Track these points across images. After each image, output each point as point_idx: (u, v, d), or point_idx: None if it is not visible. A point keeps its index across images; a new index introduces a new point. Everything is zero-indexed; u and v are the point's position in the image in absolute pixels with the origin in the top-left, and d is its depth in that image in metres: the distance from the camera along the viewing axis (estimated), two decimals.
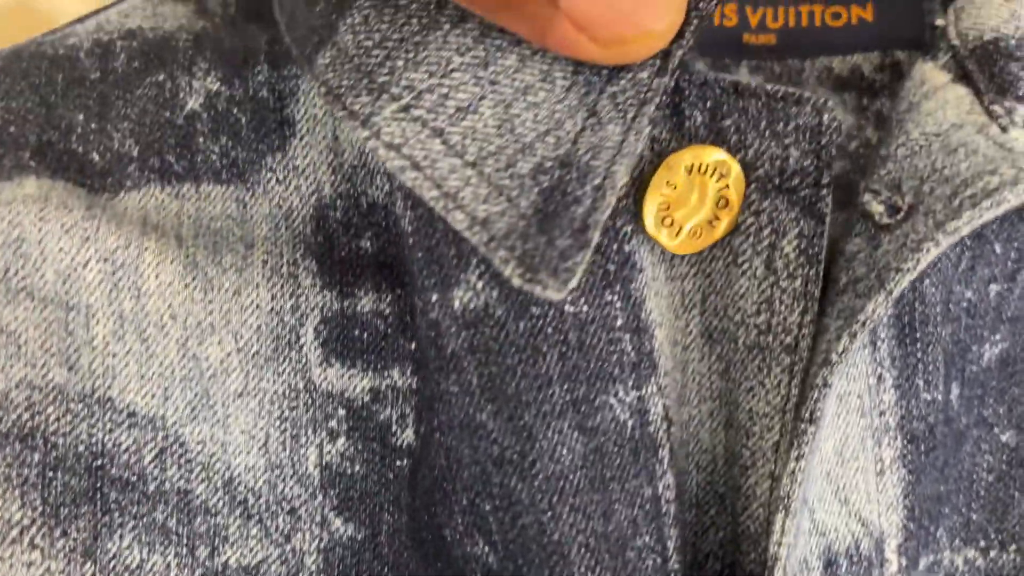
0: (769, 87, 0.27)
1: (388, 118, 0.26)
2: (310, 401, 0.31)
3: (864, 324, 0.26)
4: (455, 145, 0.26)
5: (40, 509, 0.28)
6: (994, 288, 0.31)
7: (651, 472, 0.28)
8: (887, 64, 0.36)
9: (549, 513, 0.28)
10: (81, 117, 0.31)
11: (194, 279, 0.30)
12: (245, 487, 0.30)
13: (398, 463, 0.31)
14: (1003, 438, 0.32)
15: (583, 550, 0.28)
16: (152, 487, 0.29)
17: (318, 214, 0.31)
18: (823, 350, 0.27)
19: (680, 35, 0.26)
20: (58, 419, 0.29)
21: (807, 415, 0.26)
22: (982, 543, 0.32)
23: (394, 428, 0.31)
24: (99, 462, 0.29)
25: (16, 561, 0.28)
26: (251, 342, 0.30)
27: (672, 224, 0.28)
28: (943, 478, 0.31)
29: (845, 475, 0.29)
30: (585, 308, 0.28)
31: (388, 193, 0.31)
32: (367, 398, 0.31)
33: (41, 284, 0.29)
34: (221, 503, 0.30)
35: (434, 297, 0.28)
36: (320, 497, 0.30)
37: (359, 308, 0.31)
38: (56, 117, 0.31)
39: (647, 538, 0.28)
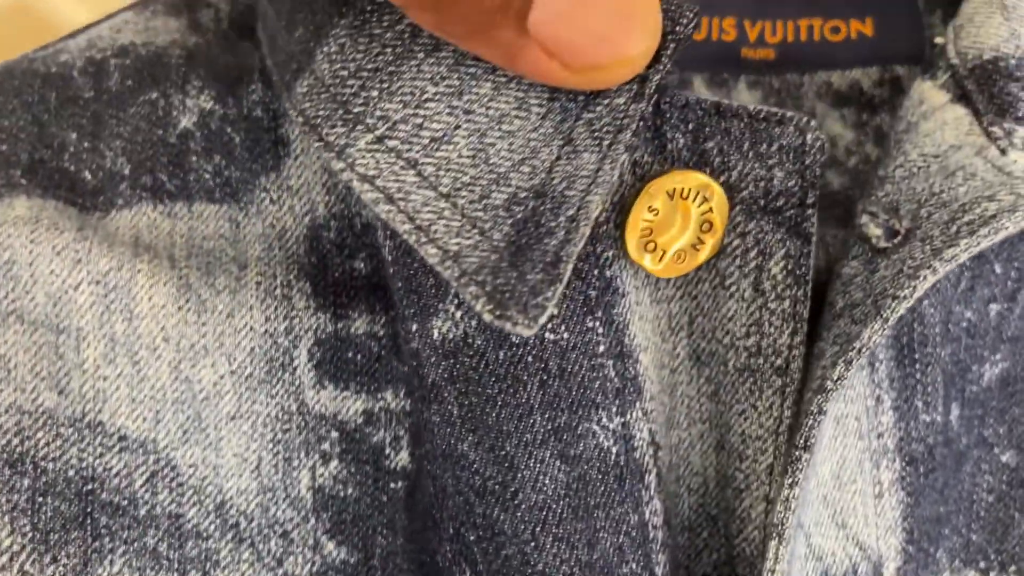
0: (751, 107, 0.27)
1: (363, 149, 0.26)
2: (303, 424, 0.30)
3: (860, 351, 0.26)
4: (429, 176, 0.26)
5: (30, 535, 0.28)
6: (994, 308, 0.30)
7: (637, 498, 0.28)
8: (887, 79, 0.36)
9: (532, 543, 0.28)
10: (74, 136, 0.31)
11: (187, 301, 0.30)
12: (237, 510, 0.30)
13: (392, 485, 0.30)
14: (1003, 458, 0.31)
15: None
16: (143, 511, 0.29)
17: (312, 234, 0.31)
18: (818, 376, 0.27)
19: (657, 59, 0.26)
20: (48, 444, 0.29)
21: (801, 442, 0.26)
22: (982, 564, 0.31)
23: (387, 451, 0.30)
24: (89, 487, 0.29)
25: None
26: (244, 364, 0.30)
27: (655, 249, 0.28)
28: (943, 499, 0.30)
29: (843, 498, 0.29)
30: (566, 335, 0.27)
31: (376, 217, 0.31)
32: (360, 420, 0.30)
33: (31, 307, 0.29)
34: (213, 527, 0.30)
35: (414, 327, 0.28)
36: (313, 520, 0.30)
37: (353, 330, 0.31)
38: (48, 136, 0.31)
39: (634, 565, 0.28)
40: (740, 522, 0.29)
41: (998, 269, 0.30)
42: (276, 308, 0.31)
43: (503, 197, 0.26)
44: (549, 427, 0.27)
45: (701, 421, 0.29)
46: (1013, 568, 0.31)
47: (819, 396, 0.26)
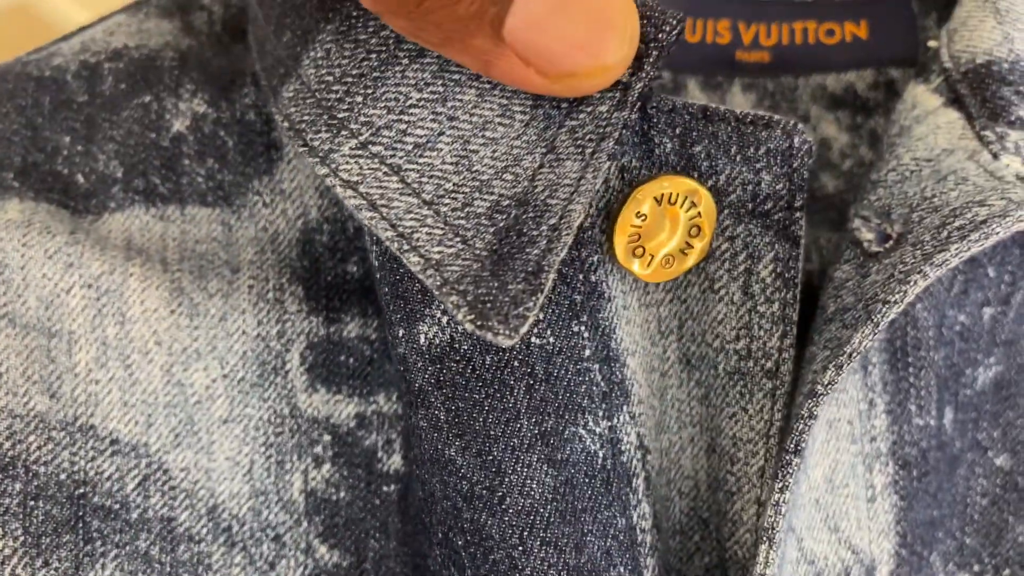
0: (738, 111, 0.26)
1: (346, 155, 0.26)
2: (295, 427, 0.30)
3: (851, 356, 0.26)
4: (412, 183, 0.26)
5: (21, 539, 0.28)
6: (988, 311, 0.30)
7: (624, 502, 0.28)
8: (881, 82, 0.36)
9: (520, 548, 0.28)
10: (67, 139, 0.31)
11: (180, 305, 0.30)
12: (229, 514, 0.30)
13: (385, 489, 0.30)
14: (997, 462, 0.31)
15: None
16: (135, 515, 0.29)
17: (304, 238, 0.31)
18: (809, 380, 0.27)
19: (639, 67, 0.26)
20: (39, 447, 0.29)
21: (792, 446, 0.26)
22: (976, 568, 0.31)
23: (380, 454, 0.30)
24: (81, 490, 0.29)
25: None
26: (237, 368, 0.30)
27: (643, 254, 0.28)
28: (936, 503, 0.30)
29: (835, 502, 0.29)
30: (552, 339, 0.27)
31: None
32: (352, 424, 0.30)
33: (23, 311, 0.29)
34: (205, 530, 0.30)
35: (401, 332, 0.28)
36: (305, 524, 0.30)
37: (345, 333, 0.31)
38: (42, 139, 0.31)
39: (621, 568, 0.28)
40: (732, 525, 0.29)
41: (991, 273, 0.30)
42: (268, 312, 0.31)
43: (486, 205, 0.26)
44: (536, 431, 0.27)
45: (692, 425, 0.29)
46: (1007, 572, 0.31)
47: (810, 400, 0.26)
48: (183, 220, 0.31)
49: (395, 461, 0.30)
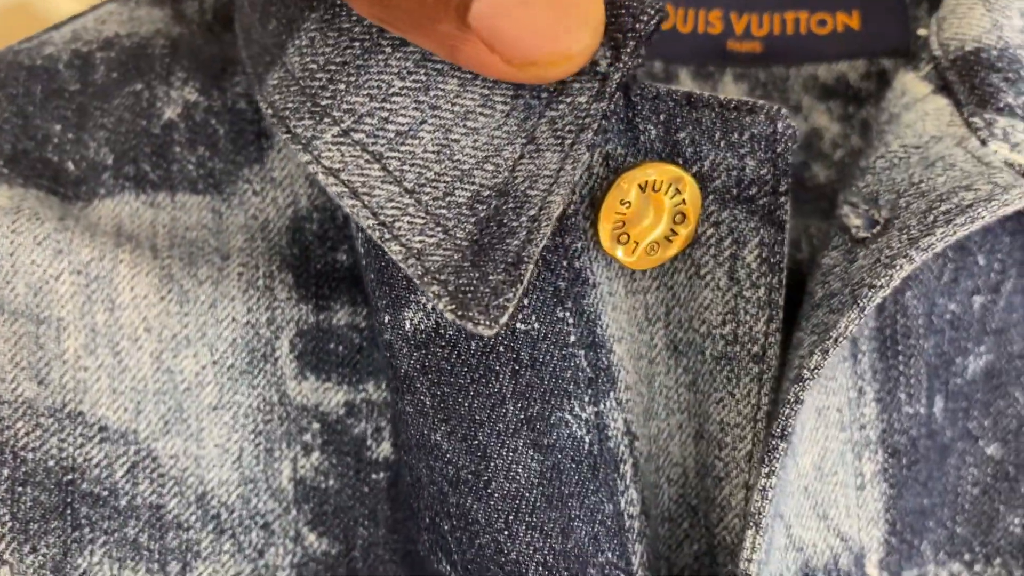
0: (722, 97, 0.26)
1: (329, 142, 0.26)
2: (284, 415, 0.30)
3: (836, 340, 0.26)
4: (394, 171, 0.26)
5: (9, 525, 0.28)
6: (978, 300, 0.30)
7: (612, 488, 0.28)
8: (873, 72, 0.36)
9: (506, 532, 0.28)
10: (58, 128, 0.31)
11: (169, 291, 0.30)
12: (218, 502, 0.30)
13: (374, 476, 0.30)
14: (988, 451, 0.31)
15: (541, 568, 0.28)
16: (123, 502, 0.29)
17: (294, 226, 0.31)
18: (796, 365, 0.27)
19: (617, 57, 0.26)
20: (28, 434, 0.29)
21: (778, 430, 0.26)
22: (967, 557, 0.31)
23: (369, 442, 0.30)
24: (69, 477, 0.29)
25: None
26: (226, 355, 0.30)
27: (628, 240, 0.28)
28: (927, 492, 0.30)
29: (824, 490, 0.29)
30: (536, 325, 0.27)
31: None
32: (342, 412, 0.30)
33: (12, 297, 0.29)
34: (193, 518, 0.30)
35: (386, 318, 0.28)
36: (294, 512, 0.30)
37: (335, 321, 0.31)
38: (32, 128, 0.31)
39: (609, 554, 0.28)
40: (720, 511, 0.29)
41: (981, 261, 0.30)
42: (258, 299, 0.31)
43: (467, 195, 0.26)
44: (521, 416, 0.27)
45: (680, 411, 0.29)
46: (998, 561, 0.31)
47: (796, 385, 0.26)
48: (173, 207, 0.31)
49: (384, 449, 0.30)
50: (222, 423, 0.30)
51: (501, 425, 0.27)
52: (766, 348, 0.28)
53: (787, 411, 0.26)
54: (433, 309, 0.27)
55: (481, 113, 0.27)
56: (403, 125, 0.26)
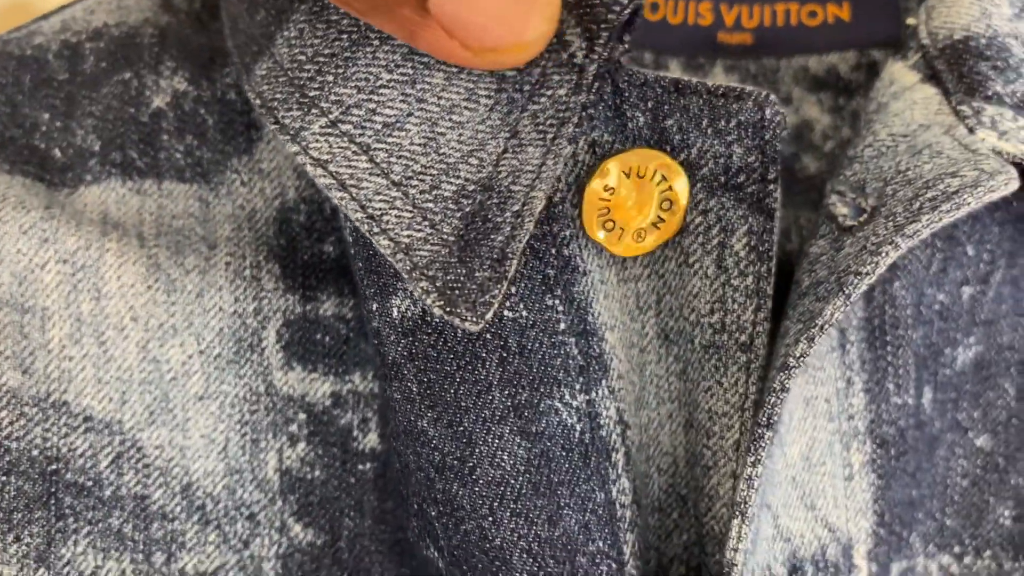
0: (710, 84, 0.26)
1: (316, 133, 0.27)
2: (271, 405, 0.30)
3: (822, 328, 0.26)
4: (381, 163, 0.26)
5: None
6: (967, 290, 0.30)
7: (604, 476, 0.28)
8: (863, 64, 0.36)
9: (490, 519, 0.27)
10: (46, 116, 0.31)
11: (156, 280, 0.30)
12: (203, 492, 0.30)
13: (360, 467, 0.30)
14: (978, 442, 0.31)
15: (525, 556, 0.27)
16: (108, 492, 0.29)
17: (281, 216, 0.31)
18: (782, 354, 0.27)
19: (592, 49, 0.26)
20: (11, 423, 0.29)
21: (765, 419, 0.26)
22: (957, 549, 0.31)
23: (355, 433, 0.30)
24: (54, 467, 0.29)
25: None
26: (213, 344, 0.30)
27: (614, 227, 0.27)
28: (916, 483, 0.30)
29: (812, 480, 0.29)
30: (525, 313, 0.27)
31: None
32: (328, 403, 0.30)
33: None
34: (179, 508, 0.29)
35: (374, 306, 0.28)
36: (279, 503, 0.30)
37: (321, 312, 0.31)
38: (20, 116, 0.31)
39: (600, 543, 0.28)
40: (709, 500, 0.28)
41: (970, 251, 0.30)
42: (245, 289, 0.30)
43: (452, 189, 0.26)
44: (508, 404, 0.27)
45: (670, 400, 0.29)
46: (988, 553, 0.31)
47: (782, 373, 0.26)
48: (160, 195, 0.31)
49: (371, 440, 0.30)
50: (208, 413, 0.30)
51: (487, 412, 0.27)
52: (754, 337, 0.28)
53: (773, 399, 0.26)
54: (413, 290, 0.27)
55: (466, 107, 0.27)
56: (390, 117, 0.27)
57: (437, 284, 0.26)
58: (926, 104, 0.29)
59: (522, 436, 0.27)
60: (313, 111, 0.27)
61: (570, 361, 0.28)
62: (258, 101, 0.28)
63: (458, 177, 0.26)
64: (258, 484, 0.30)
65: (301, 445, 0.30)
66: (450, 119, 0.27)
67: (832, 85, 0.36)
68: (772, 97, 0.26)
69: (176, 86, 0.32)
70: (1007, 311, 0.31)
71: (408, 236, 0.26)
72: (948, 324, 0.30)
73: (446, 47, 0.25)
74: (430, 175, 0.26)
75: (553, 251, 0.28)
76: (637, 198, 0.27)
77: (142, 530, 0.29)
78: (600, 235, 0.27)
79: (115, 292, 0.29)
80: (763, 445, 0.26)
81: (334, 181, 0.26)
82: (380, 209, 0.26)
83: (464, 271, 0.26)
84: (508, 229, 0.26)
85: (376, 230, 0.26)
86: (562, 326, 0.28)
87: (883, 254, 0.25)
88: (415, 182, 0.26)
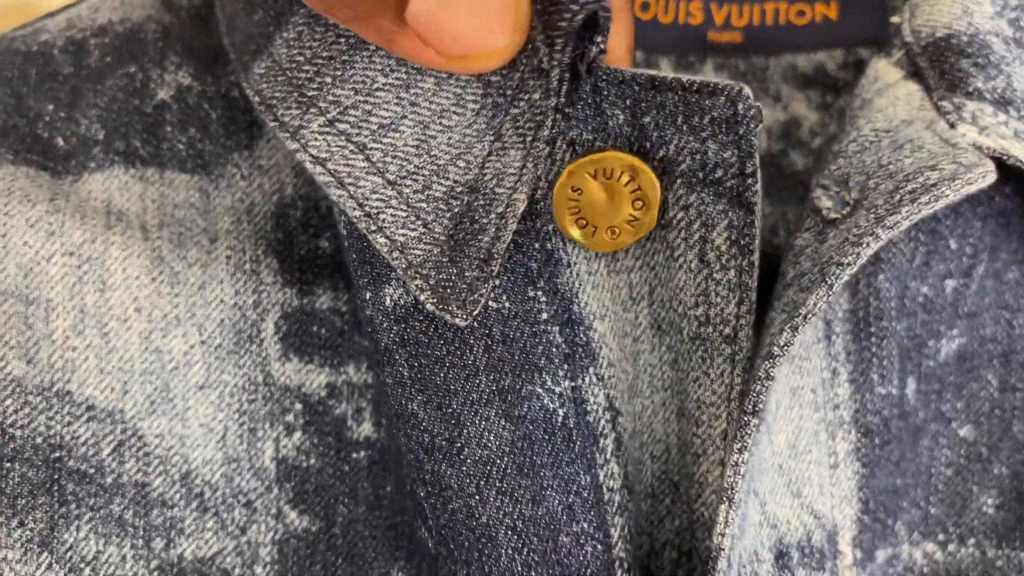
0: (685, 79, 0.27)
1: (315, 131, 0.28)
2: (268, 395, 0.31)
3: (805, 317, 0.26)
4: (377, 162, 0.27)
5: None
6: (950, 283, 0.31)
7: (590, 460, 0.28)
8: (850, 62, 0.36)
9: (477, 497, 0.28)
10: (51, 107, 0.32)
11: (160, 273, 0.31)
12: (202, 480, 0.30)
13: (354, 456, 0.31)
14: (961, 433, 0.32)
15: (510, 533, 0.28)
16: (109, 480, 0.30)
17: (279, 211, 0.32)
18: (767, 343, 0.27)
19: (551, 55, 0.27)
20: (16, 411, 0.29)
21: (750, 407, 0.27)
22: (941, 537, 0.32)
23: (350, 422, 0.31)
24: (57, 454, 0.29)
25: None
26: (214, 335, 0.31)
27: (587, 225, 0.28)
28: (900, 472, 0.31)
29: (798, 468, 0.29)
30: (508, 304, 0.28)
31: None
32: (323, 393, 0.31)
33: (2, 278, 0.30)
34: (178, 496, 0.30)
35: (368, 295, 0.29)
36: (276, 490, 0.31)
37: (317, 305, 0.31)
38: (25, 107, 0.32)
39: (584, 524, 0.28)
40: (698, 487, 0.29)
41: (953, 245, 0.30)
42: (245, 282, 0.31)
43: (442, 190, 0.27)
44: (494, 388, 0.28)
45: (663, 389, 0.30)
46: (972, 541, 0.32)
47: (767, 362, 0.27)
48: (162, 183, 0.32)
49: (365, 429, 0.31)
50: (208, 402, 0.31)
51: (475, 395, 0.28)
52: (737, 330, 0.28)
53: (758, 387, 0.27)
54: (408, 286, 0.28)
55: (454, 112, 0.28)
56: (385, 119, 0.28)
57: (430, 282, 0.27)
58: (908, 100, 0.30)
59: (506, 419, 0.28)
60: (312, 110, 0.28)
61: (553, 349, 0.28)
62: (257, 99, 0.29)
63: (447, 179, 0.27)
64: (255, 472, 0.31)
65: (297, 434, 0.31)
66: (440, 123, 0.28)
67: (820, 83, 0.36)
68: (745, 91, 0.26)
69: (180, 80, 0.32)
70: (989, 304, 0.31)
71: (403, 235, 0.27)
72: (932, 316, 0.31)
73: (422, 54, 0.26)
74: (422, 175, 0.27)
75: (536, 245, 0.28)
76: (608, 197, 0.28)
77: (142, 516, 0.30)
78: (574, 232, 0.28)
79: (120, 284, 0.30)
80: (749, 432, 0.27)
81: (332, 179, 0.27)
82: (376, 207, 0.27)
83: (455, 271, 0.27)
84: (493, 230, 0.27)
85: (373, 228, 0.27)
86: (544, 316, 0.28)
87: (864, 245, 0.26)
88: (409, 182, 0.27)
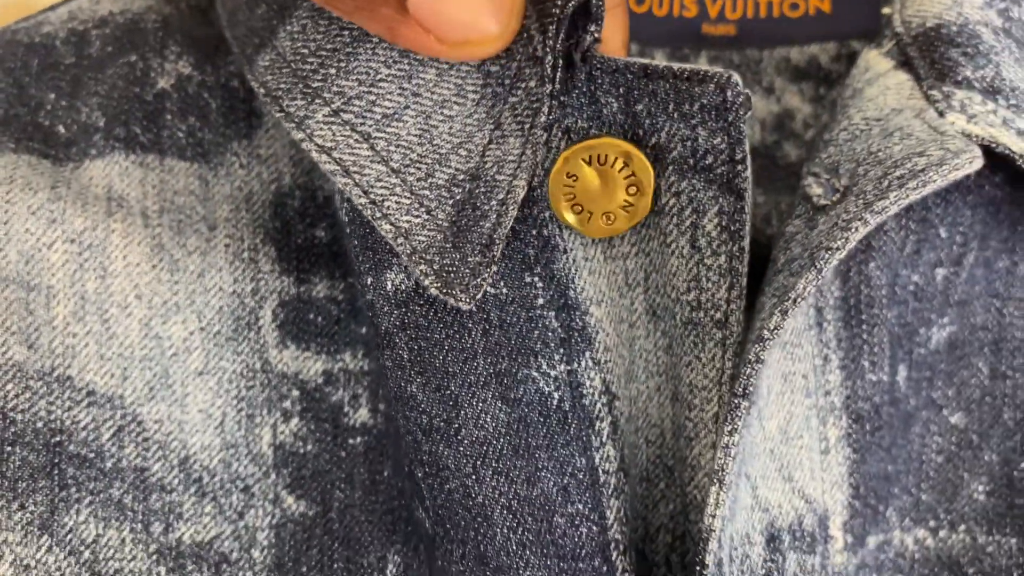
0: (676, 67, 0.27)
1: (320, 122, 0.28)
2: (266, 381, 0.31)
3: (795, 301, 0.27)
4: (381, 151, 0.28)
5: None
6: (940, 272, 0.31)
7: (586, 443, 0.29)
8: (843, 54, 0.36)
9: (473, 476, 0.29)
10: (52, 96, 0.32)
11: (161, 260, 0.31)
12: (200, 466, 0.31)
13: (351, 442, 0.31)
14: (952, 420, 0.32)
15: (506, 512, 0.29)
16: (109, 464, 0.30)
17: (277, 200, 0.32)
18: (757, 327, 0.27)
19: (544, 43, 0.27)
20: (17, 396, 0.30)
21: (740, 389, 0.27)
22: (932, 523, 0.32)
23: (346, 409, 0.31)
24: (57, 439, 0.30)
25: None
26: (213, 322, 0.31)
27: (582, 211, 0.29)
28: (891, 458, 0.31)
29: (789, 453, 0.30)
30: (505, 290, 0.29)
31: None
32: (320, 380, 0.31)
33: (3, 264, 0.30)
34: (176, 481, 0.31)
35: (369, 280, 0.29)
36: (273, 476, 0.31)
37: (314, 293, 0.32)
38: (27, 96, 0.32)
39: (580, 506, 0.29)
40: (691, 470, 0.29)
41: (943, 233, 0.31)
42: (244, 270, 0.32)
43: (445, 177, 0.28)
44: (491, 371, 0.29)
45: (658, 374, 0.30)
46: (963, 527, 0.32)
47: (756, 346, 0.27)
48: (162, 170, 0.32)
49: (361, 415, 0.31)
50: (207, 388, 0.31)
51: (472, 377, 0.29)
52: (728, 315, 0.29)
53: (748, 370, 0.27)
54: (412, 271, 0.29)
55: (455, 102, 0.28)
56: (389, 109, 0.28)
57: (434, 267, 0.27)
58: (899, 89, 0.30)
59: (503, 401, 0.29)
60: (316, 101, 0.28)
61: (549, 333, 0.29)
62: (262, 90, 0.29)
63: (449, 167, 0.28)
64: (253, 458, 0.31)
65: (294, 420, 0.31)
66: (442, 113, 0.28)
67: (813, 75, 0.37)
68: (734, 78, 0.27)
69: (181, 70, 0.33)
70: (980, 292, 0.32)
71: (407, 221, 0.28)
72: (922, 304, 0.31)
73: (423, 42, 0.26)
74: (425, 164, 0.28)
75: (533, 232, 0.29)
76: (602, 183, 0.28)
77: (141, 501, 0.30)
78: (570, 218, 0.29)
79: (120, 271, 0.31)
80: (739, 415, 0.27)
81: (338, 167, 0.28)
82: (381, 195, 0.28)
83: (458, 256, 0.27)
84: (494, 216, 0.27)
85: (378, 215, 0.28)
86: (540, 301, 0.29)
87: (853, 230, 0.26)
88: (412, 170, 0.28)
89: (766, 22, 0.37)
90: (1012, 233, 0.31)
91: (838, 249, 0.26)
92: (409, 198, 0.28)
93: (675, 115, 0.28)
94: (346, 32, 0.29)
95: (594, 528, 0.29)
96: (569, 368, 0.29)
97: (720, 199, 0.28)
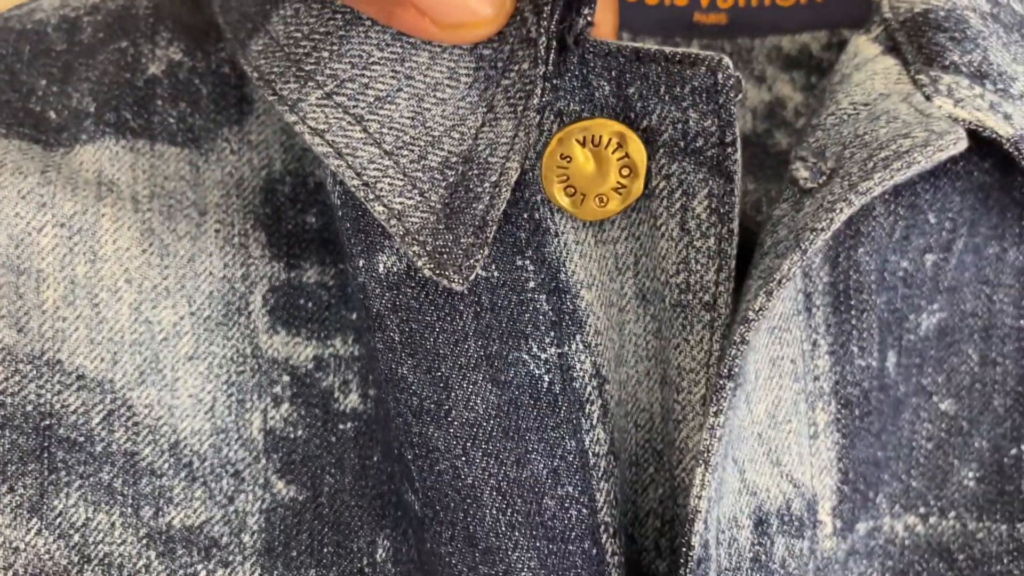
0: (667, 50, 0.27)
1: (313, 104, 0.28)
2: (256, 367, 0.31)
3: (780, 282, 0.27)
4: (374, 133, 0.28)
5: None
6: (930, 258, 0.31)
7: (576, 425, 0.29)
8: (834, 43, 0.37)
9: (463, 458, 0.29)
10: (44, 82, 0.33)
11: (151, 244, 0.31)
12: (191, 450, 0.31)
13: (341, 427, 0.31)
14: (942, 407, 0.32)
15: (495, 494, 0.29)
16: (99, 448, 0.30)
17: (267, 186, 0.32)
18: (743, 309, 0.28)
19: (539, 24, 0.28)
20: (7, 379, 0.30)
21: (726, 371, 0.27)
22: (922, 510, 0.32)
23: (336, 394, 0.32)
24: (47, 422, 0.30)
25: None
26: (203, 307, 0.31)
27: (575, 193, 0.29)
28: (880, 444, 0.31)
29: (777, 437, 0.30)
30: (496, 273, 0.29)
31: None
32: (310, 366, 0.32)
33: None
34: (166, 465, 0.31)
35: (361, 262, 0.29)
36: (263, 460, 0.31)
37: (305, 279, 0.32)
38: (18, 82, 0.33)
39: (570, 488, 0.29)
40: (679, 453, 0.29)
41: (932, 219, 0.31)
42: (234, 255, 0.32)
43: (438, 160, 0.28)
44: (482, 353, 0.29)
45: (648, 358, 0.30)
46: (952, 514, 0.32)
47: (742, 327, 0.27)
48: (152, 155, 0.32)
49: (351, 400, 0.32)
50: (197, 373, 0.31)
51: (463, 359, 0.29)
52: (716, 297, 0.29)
53: (734, 352, 0.27)
54: (405, 253, 0.29)
55: (448, 85, 0.28)
56: (381, 91, 0.28)
57: (427, 249, 0.27)
58: (886, 74, 0.30)
59: (493, 383, 0.29)
60: (309, 84, 0.28)
61: (540, 316, 0.29)
62: (255, 75, 0.29)
63: (442, 149, 0.28)
64: (243, 443, 0.31)
65: (284, 406, 0.31)
66: (435, 96, 0.28)
67: (804, 64, 0.37)
68: (725, 61, 0.27)
69: (172, 56, 0.33)
70: (970, 278, 0.32)
71: (400, 203, 0.28)
72: (912, 290, 0.31)
73: (419, 25, 0.27)
74: (418, 146, 0.28)
75: (525, 215, 0.29)
76: (596, 165, 0.28)
77: (131, 485, 0.30)
78: (563, 200, 0.29)
79: (111, 255, 0.31)
80: (725, 396, 0.27)
81: (331, 149, 0.28)
82: (374, 177, 0.28)
83: (451, 237, 0.27)
84: (487, 198, 0.28)
85: (371, 196, 0.28)
86: (531, 284, 0.29)
87: (838, 211, 0.26)
88: (405, 152, 0.28)
89: (757, 11, 0.37)
90: (1002, 219, 0.31)
91: (823, 230, 0.26)
92: (402, 180, 0.28)
93: (666, 98, 0.28)
94: (339, 15, 0.29)
95: (584, 511, 0.29)
96: (560, 351, 0.29)
97: (710, 181, 0.28)
